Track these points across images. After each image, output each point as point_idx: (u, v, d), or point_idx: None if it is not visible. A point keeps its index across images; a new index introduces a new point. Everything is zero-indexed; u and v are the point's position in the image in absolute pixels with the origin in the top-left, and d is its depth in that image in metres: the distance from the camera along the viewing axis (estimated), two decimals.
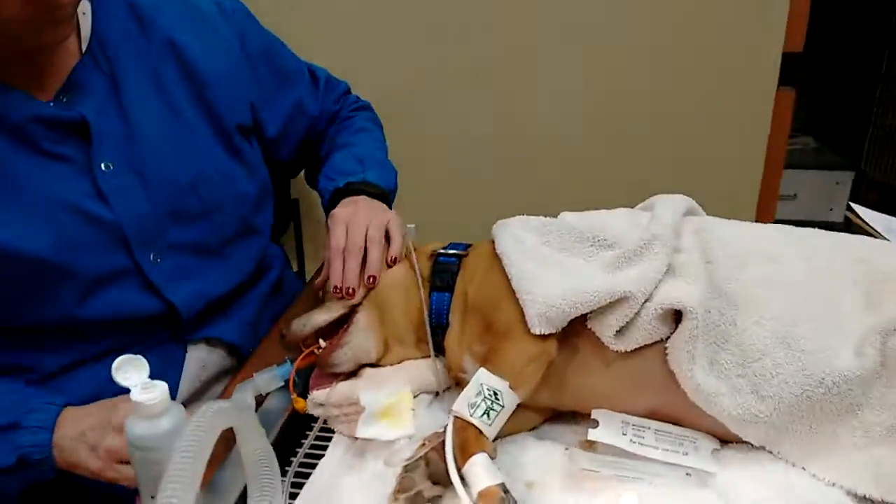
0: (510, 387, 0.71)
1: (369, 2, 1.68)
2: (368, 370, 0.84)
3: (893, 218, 0.96)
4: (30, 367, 0.85)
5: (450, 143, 1.82)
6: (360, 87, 1.34)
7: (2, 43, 0.74)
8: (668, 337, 0.71)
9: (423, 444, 0.71)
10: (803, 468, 0.69)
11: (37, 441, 0.73)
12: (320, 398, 0.81)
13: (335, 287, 0.82)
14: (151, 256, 0.87)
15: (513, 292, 0.75)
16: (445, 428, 0.71)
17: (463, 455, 0.68)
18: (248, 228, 0.98)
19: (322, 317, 0.85)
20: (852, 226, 1.21)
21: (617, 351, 0.72)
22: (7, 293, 0.79)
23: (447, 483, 0.68)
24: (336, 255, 0.84)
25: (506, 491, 0.65)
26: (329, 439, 0.81)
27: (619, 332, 0.71)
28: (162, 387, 0.67)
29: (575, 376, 0.75)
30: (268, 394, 0.86)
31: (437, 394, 0.84)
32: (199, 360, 0.96)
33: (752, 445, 0.72)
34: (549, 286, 0.73)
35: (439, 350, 0.84)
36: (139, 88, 0.87)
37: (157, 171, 0.87)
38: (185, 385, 0.93)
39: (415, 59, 1.72)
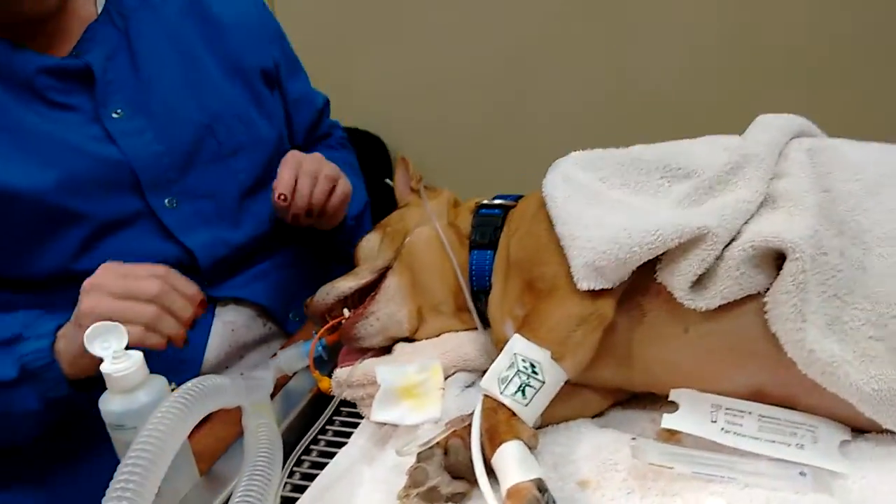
0: (552, 357, 0.55)
1: None
2: (402, 345, 0.71)
3: None
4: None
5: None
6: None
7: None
8: (768, 289, 0.52)
9: (454, 434, 0.57)
10: None
11: (38, 347, 0.69)
12: (342, 376, 0.69)
13: (280, 194, 0.82)
14: (166, 201, 0.83)
15: (558, 241, 0.59)
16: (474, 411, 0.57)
17: (492, 443, 0.53)
18: (269, 178, 0.90)
19: (348, 283, 0.73)
20: None
21: (698, 311, 0.54)
22: (8, 238, 0.76)
23: (471, 477, 0.53)
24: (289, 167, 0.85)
25: (542, 490, 0.49)
26: (356, 425, 0.69)
27: (697, 283, 0.54)
28: (136, 356, 0.58)
29: (646, 347, 0.58)
30: (295, 373, 0.76)
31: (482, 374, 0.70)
32: (228, 322, 0.88)
33: (894, 435, 0.51)
34: (598, 229, 0.56)
35: (484, 319, 0.69)
36: (152, 39, 0.86)
37: (170, 113, 0.85)
38: (213, 349, 0.85)
39: None
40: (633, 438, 0.56)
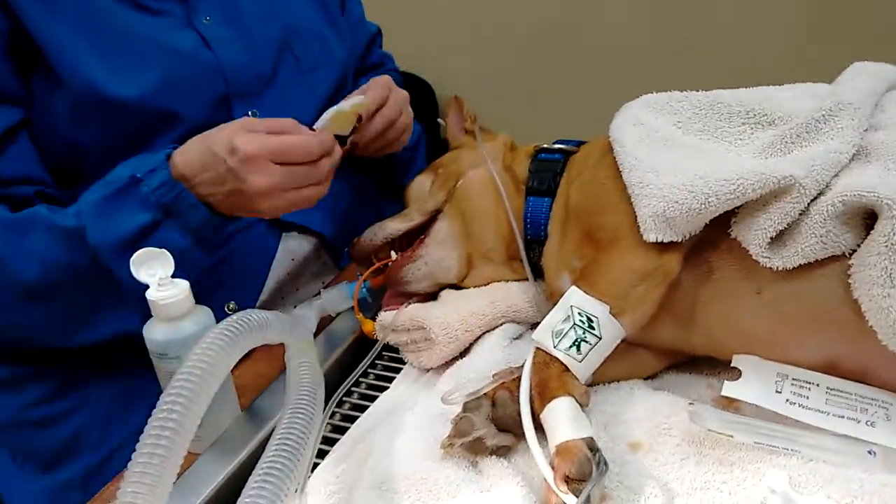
0: (611, 312, 0.52)
1: None
2: (448, 292, 0.69)
3: None
4: None
5: None
6: None
7: None
8: (854, 251, 0.48)
9: (502, 387, 0.55)
10: None
11: (161, 180, 0.65)
12: (387, 320, 0.67)
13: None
14: (249, 112, 0.82)
15: (624, 189, 0.55)
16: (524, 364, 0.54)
17: (542, 398, 0.51)
18: (340, 97, 0.88)
19: (396, 225, 0.71)
20: None
21: (774, 270, 0.50)
22: (111, 142, 0.75)
23: (518, 431, 0.51)
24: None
25: (593, 449, 0.47)
26: (398, 370, 0.67)
27: (776, 240, 0.49)
28: (183, 285, 0.57)
29: (712, 307, 0.54)
30: (338, 314, 0.74)
31: (533, 326, 0.67)
32: (289, 251, 0.87)
33: None
34: (670, 175, 0.52)
35: (537, 270, 0.66)
36: None
37: (254, 25, 0.84)
38: (274, 276, 0.84)
39: None
40: (691, 403, 0.53)
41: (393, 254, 0.70)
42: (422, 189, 0.73)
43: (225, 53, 0.80)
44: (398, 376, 0.66)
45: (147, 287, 0.57)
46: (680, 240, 0.52)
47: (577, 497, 0.44)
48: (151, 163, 0.67)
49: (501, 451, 0.52)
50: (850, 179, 0.48)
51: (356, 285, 0.71)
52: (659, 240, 0.52)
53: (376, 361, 0.69)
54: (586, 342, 0.51)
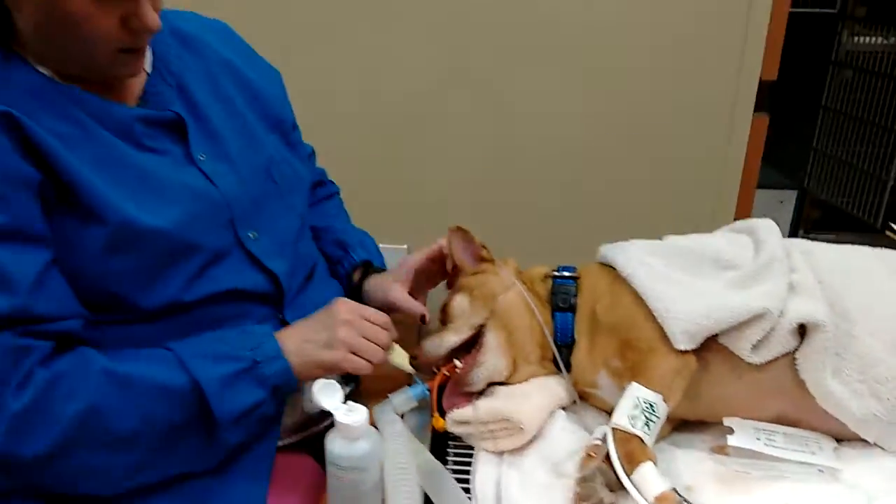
0: (663, 399, 0.77)
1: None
2: (503, 388, 0.89)
3: None
4: None
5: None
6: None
7: (84, 73, 0.81)
8: (796, 349, 0.80)
9: (590, 456, 0.77)
10: None
11: (277, 368, 0.81)
12: (465, 416, 0.85)
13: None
14: (250, 234, 0.92)
15: (648, 311, 0.82)
16: (603, 439, 0.78)
17: (630, 464, 0.74)
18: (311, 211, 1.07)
19: (453, 338, 0.90)
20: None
21: (751, 364, 0.80)
22: (134, 271, 0.82)
23: (618, 489, 0.74)
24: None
25: (679, 495, 0.71)
26: (468, 455, 0.85)
27: (755, 346, 0.79)
28: (363, 411, 0.71)
29: (709, 388, 0.82)
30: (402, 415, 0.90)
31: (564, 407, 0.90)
32: None
33: (865, 442, 0.81)
34: (687, 304, 0.80)
35: (566, 366, 0.90)
36: (202, 96, 0.94)
37: (239, 159, 0.94)
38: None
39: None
40: (712, 450, 0.81)
41: (457, 362, 0.88)
42: (462, 308, 0.92)
43: (225, 186, 0.90)
44: (476, 462, 0.84)
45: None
46: (695, 346, 0.80)
47: None
48: (271, 349, 0.82)
49: None
50: (795, 307, 0.79)
51: (425, 390, 0.88)
52: (685, 349, 0.79)
53: (449, 451, 0.87)
54: (652, 422, 0.76)
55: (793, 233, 3.80)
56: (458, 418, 0.86)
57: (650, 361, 0.80)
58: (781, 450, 0.80)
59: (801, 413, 0.82)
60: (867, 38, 3.25)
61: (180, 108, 0.90)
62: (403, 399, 0.89)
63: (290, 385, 0.83)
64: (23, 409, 0.69)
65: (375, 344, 0.85)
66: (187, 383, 0.77)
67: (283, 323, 0.97)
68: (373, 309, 0.88)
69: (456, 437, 0.88)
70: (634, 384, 0.78)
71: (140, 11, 0.75)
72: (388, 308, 0.99)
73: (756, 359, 0.80)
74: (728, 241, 0.91)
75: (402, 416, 0.90)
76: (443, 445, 0.87)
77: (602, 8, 1.93)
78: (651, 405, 0.77)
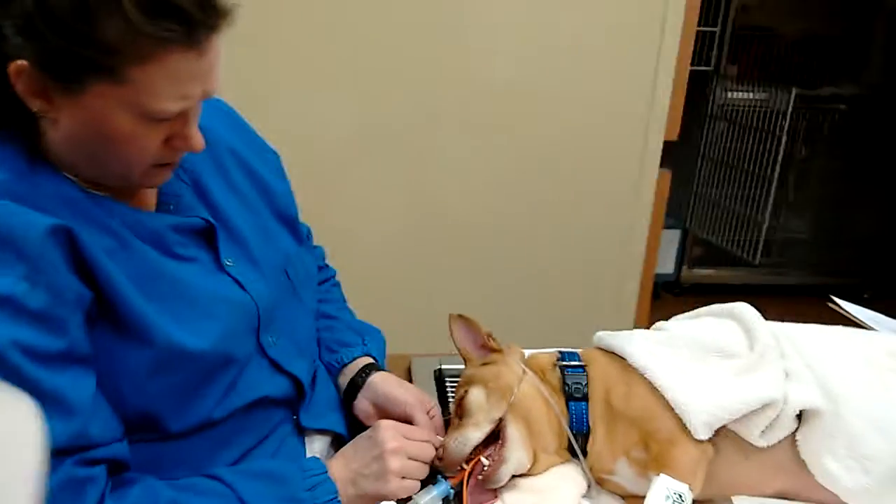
0: (689, 489, 0.83)
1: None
2: (525, 480, 0.92)
3: (867, 310, 1.23)
4: None
5: None
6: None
7: (109, 182, 0.78)
8: (795, 430, 0.88)
9: None
10: None
11: None
12: None
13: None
14: (270, 338, 0.91)
15: (664, 402, 0.88)
16: None
17: None
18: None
19: (476, 434, 0.91)
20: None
21: (757, 446, 0.87)
22: (171, 392, 0.79)
23: None
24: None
25: None
26: None
27: (763, 431, 0.87)
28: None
29: (720, 470, 0.89)
30: None
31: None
32: (314, 450, 0.98)
33: None
34: (702, 397, 0.87)
35: (583, 453, 0.94)
36: (220, 193, 0.92)
37: (262, 260, 0.93)
38: None
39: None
40: None
41: (484, 460, 0.90)
42: (479, 402, 0.94)
43: (256, 292, 0.89)
44: None
45: None
46: (711, 435, 0.86)
47: None
48: (326, 490, 0.83)
49: None
50: (794, 393, 0.87)
51: (448, 487, 0.89)
52: (704, 438, 0.85)
53: None
54: None
55: (678, 268, 4.10)
56: None
57: (673, 452, 0.86)
58: None
59: (801, 488, 0.90)
60: (738, 94, 3.60)
61: (203, 211, 0.88)
62: (429, 500, 0.89)
63: None
64: None
65: (422, 461, 0.86)
66: None
67: (298, 426, 0.95)
68: (414, 427, 0.90)
69: None
70: (664, 476, 0.83)
71: (188, 132, 0.73)
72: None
73: (763, 442, 0.87)
74: (720, 328, 0.99)
75: None
76: None
77: (524, 79, 2.06)
78: (680, 495, 0.82)
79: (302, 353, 0.97)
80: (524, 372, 0.96)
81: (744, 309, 1.02)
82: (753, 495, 0.90)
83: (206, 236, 0.87)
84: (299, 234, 1.05)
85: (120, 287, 0.74)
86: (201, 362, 0.80)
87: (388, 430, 0.88)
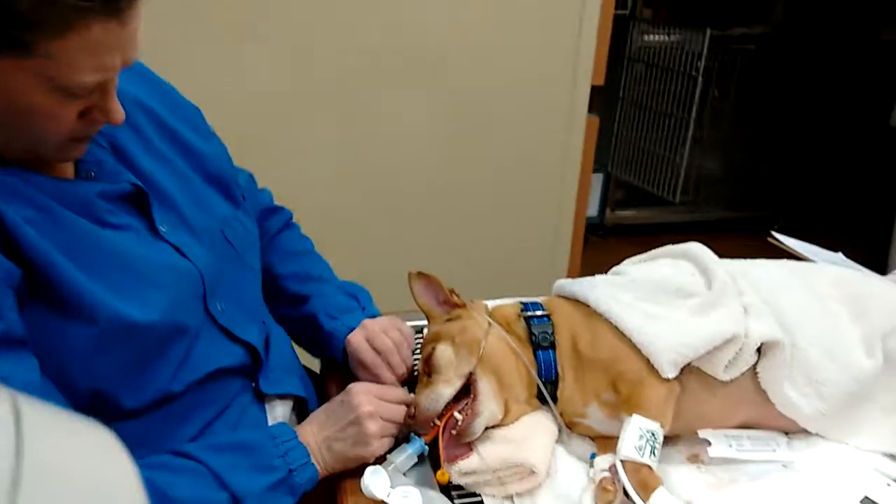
0: (660, 426, 0.85)
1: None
2: (498, 431, 0.91)
3: (805, 243, 1.28)
4: None
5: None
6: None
7: (21, 154, 0.72)
8: (756, 363, 0.91)
9: (605, 490, 0.82)
10: (846, 444, 0.94)
11: (309, 475, 0.82)
12: (472, 466, 0.86)
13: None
14: (219, 306, 0.88)
15: (631, 345, 0.89)
16: (609, 470, 0.83)
17: (645, 491, 0.80)
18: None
19: (448, 391, 0.90)
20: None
21: (722, 381, 0.90)
22: (120, 368, 0.75)
23: None
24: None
25: None
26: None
27: (727, 366, 0.89)
28: (416, 494, 0.70)
29: (688, 406, 0.91)
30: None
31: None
32: (276, 417, 0.95)
33: (806, 433, 0.95)
34: (666, 337, 0.88)
35: (553, 401, 0.94)
36: (141, 157, 0.86)
37: (198, 226, 0.88)
38: None
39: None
40: (699, 467, 0.90)
41: (457, 415, 0.88)
42: (448, 357, 0.92)
43: (196, 258, 0.85)
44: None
45: None
46: (678, 373, 0.88)
47: None
48: (299, 453, 0.82)
49: None
50: (754, 327, 0.90)
51: (422, 444, 0.88)
52: (671, 377, 0.87)
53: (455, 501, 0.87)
54: (656, 448, 0.83)
55: (601, 210, 4.19)
56: (466, 469, 0.86)
57: (643, 393, 0.87)
58: (749, 452, 0.91)
59: (763, 417, 0.93)
60: (654, 37, 3.65)
61: (129, 177, 0.82)
62: (404, 458, 0.87)
63: (314, 488, 0.82)
64: None
65: (396, 422, 0.86)
66: (227, 501, 0.72)
67: (258, 393, 0.91)
68: (387, 386, 0.89)
69: (458, 487, 0.88)
70: (636, 416, 0.84)
71: (107, 105, 0.68)
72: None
73: (727, 377, 0.90)
74: (676, 269, 1.01)
75: (404, 475, 0.88)
76: (448, 498, 0.87)
77: (455, 32, 2.04)
78: (653, 433, 0.84)
79: (251, 317, 0.93)
80: (490, 325, 0.95)
81: (697, 249, 1.03)
82: (718, 427, 0.93)
83: (137, 203, 0.82)
84: (235, 196, 0.99)
85: (52, 260, 0.69)
86: (151, 334, 0.76)
87: (363, 395, 0.86)
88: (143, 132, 0.87)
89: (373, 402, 0.86)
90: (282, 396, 0.97)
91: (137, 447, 0.76)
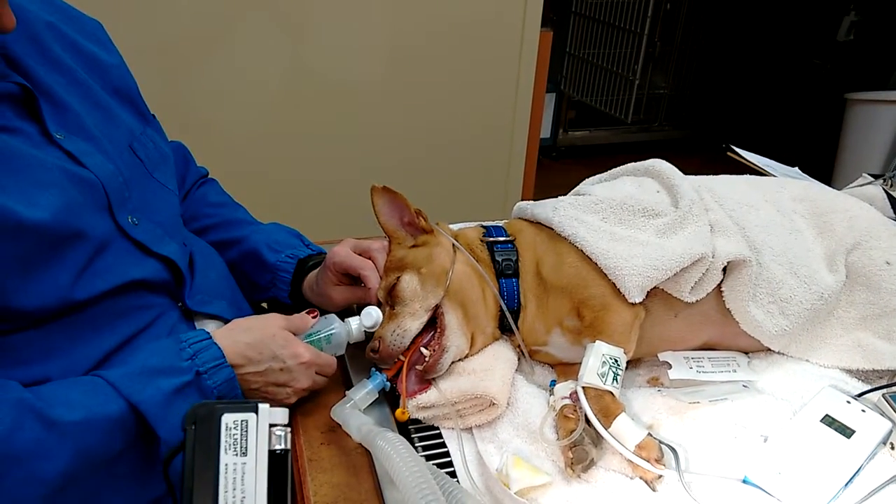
0: (624, 352, 0.81)
1: None
2: (457, 364, 0.87)
3: (763, 157, 1.24)
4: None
5: None
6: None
7: None
8: (721, 281, 0.88)
9: (567, 417, 0.79)
10: (807, 360, 0.93)
11: (223, 378, 0.78)
12: (430, 401, 0.82)
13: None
14: (130, 219, 0.85)
15: (596, 269, 0.85)
16: (570, 397, 0.81)
17: (607, 418, 0.78)
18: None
19: (415, 325, 0.85)
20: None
21: (686, 302, 0.87)
22: (9, 263, 0.71)
23: (599, 444, 0.78)
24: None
25: (654, 438, 0.77)
26: (434, 437, 0.83)
27: (693, 286, 0.86)
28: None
29: (651, 330, 0.88)
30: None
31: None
32: None
33: (769, 351, 0.93)
34: (633, 260, 0.84)
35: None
36: (34, 63, 0.82)
37: (101, 136, 0.85)
38: None
39: None
40: (660, 390, 0.87)
41: (424, 351, 0.84)
42: (413, 288, 0.86)
43: (94, 166, 0.81)
44: (450, 441, 0.82)
45: None
46: (643, 297, 0.84)
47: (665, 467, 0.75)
48: (211, 355, 0.77)
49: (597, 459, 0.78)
50: (721, 245, 0.86)
51: (383, 380, 0.83)
52: (638, 301, 0.83)
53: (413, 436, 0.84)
54: (618, 374, 0.80)
55: (554, 131, 4.13)
56: (423, 403, 0.82)
57: (607, 318, 0.83)
58: (710, 373, 0.89)
59: (724, 337, 0.91)
60: None
61: (17, 78, 0.77)
62: (365, 394, 0.83)
63: (234, 395, 0.79)
64: None
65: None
66: (124, 408, 0.70)
67: (185, 312, 0.87)
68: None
69: (416, 421, 0.85)
70: (599, 342, 0.81)
71: None
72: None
73: (692, 298, 0.86)
74: (640, 187, 0.96)
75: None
76: (406, 433, 0.84)
77: None
78: (616, 360, 0.81)
79: (170, 234, 0.89)
80: (456, 251, 0.89)
81: (662, 165, 0.99)
82: (679, 349, 0.91)
83: (27, 105, 0.78)
84: (144, 112, 0.97)
85: None
86: (42, 234, 0.72)
87: (300, 345, 0.84)
88: (40, 41, 0.83)
89: (311, 352, 0.83)
90: (213, 317, 0.92)
91: (49, 358, 0.73)
